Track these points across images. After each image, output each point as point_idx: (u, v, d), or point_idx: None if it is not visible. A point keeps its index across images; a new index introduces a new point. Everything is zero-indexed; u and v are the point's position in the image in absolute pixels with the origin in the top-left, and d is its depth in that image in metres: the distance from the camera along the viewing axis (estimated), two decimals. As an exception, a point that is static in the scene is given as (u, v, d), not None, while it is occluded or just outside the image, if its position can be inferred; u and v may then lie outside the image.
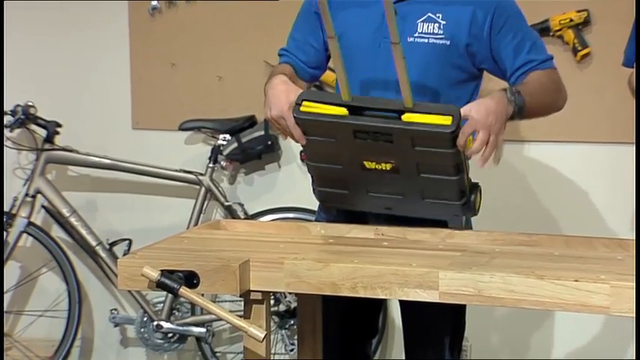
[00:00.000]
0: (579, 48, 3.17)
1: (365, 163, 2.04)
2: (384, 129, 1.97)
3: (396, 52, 1.94)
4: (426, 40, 2.17)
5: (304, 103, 2.03)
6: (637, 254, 1.94)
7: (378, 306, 2.49)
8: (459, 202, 2.08)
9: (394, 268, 1.82)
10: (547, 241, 2.11)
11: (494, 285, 1.75)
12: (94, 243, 3.50)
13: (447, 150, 1.97)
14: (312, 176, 2.18)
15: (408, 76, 1.98)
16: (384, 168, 2.04)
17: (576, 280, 1.71)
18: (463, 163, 2.03)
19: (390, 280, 1.81)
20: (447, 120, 1.95)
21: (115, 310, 3.64)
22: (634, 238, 2.12)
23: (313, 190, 2.21)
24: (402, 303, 2.37)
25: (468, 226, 2.28)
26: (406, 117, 1.97)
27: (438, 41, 2.18)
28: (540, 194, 3.33)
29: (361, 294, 1.83)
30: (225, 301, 3.49)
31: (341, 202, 2.17)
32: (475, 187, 2.12)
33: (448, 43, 2.18)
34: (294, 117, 2.03)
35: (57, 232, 3.62)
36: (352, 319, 2.39)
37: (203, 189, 3.48)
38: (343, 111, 2.00)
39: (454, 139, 1.96)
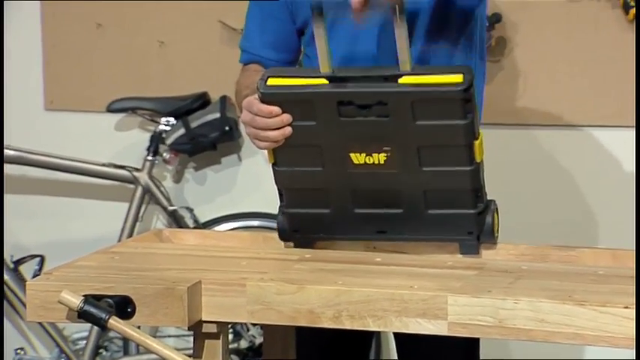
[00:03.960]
0: (632, 4, 3.21)
1: (352, 156, 2.06)
2: (377, 95, 1.99)
3: None
4: None
5: (270, 80, 2.05)
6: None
7: (368, 340, 2.51)
8: (474, 211, 2.10)
9: (390, 291, 1.84)
10: (589, 256, 2.13)
11: (519, 313, 1.78)
12: (-6, 261, 3.50)
13: (459, 121, 1.99)
14: (280, 194, 2.19)
15: (406, 33, 2.01)
16: (376, 162, 2.05)
17: (626, 307, 1.74)
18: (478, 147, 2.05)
19: (384, 307, 1.83)
20: (456, 78, 1.97)
21: (22, 349, 3.63)
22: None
23: (279, 223, 2.19)
24: (398, 336, 2.39)
25: None
26: (404, 80, 1.99)
27: None
28: (583, 193, 3.35)
29: (347, 325, 1.85)
30: (170, 336, 3.50)
31: (318, 229, 2.17)
32: (490, 207, 2.12)
33: None
34: (261, 94, 2.04)
35: (-55, 246, 3.62)
36: (335, 357, 2.41)
37: (140, 189, 3.49)
38: (322, 81, 2.03)
39: (466, 104, 1.97)
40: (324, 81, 2.02)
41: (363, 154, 2.05)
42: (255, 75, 2.34)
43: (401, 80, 1.99)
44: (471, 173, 2.05)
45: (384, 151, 2.04)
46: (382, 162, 2.05)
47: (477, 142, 2.03)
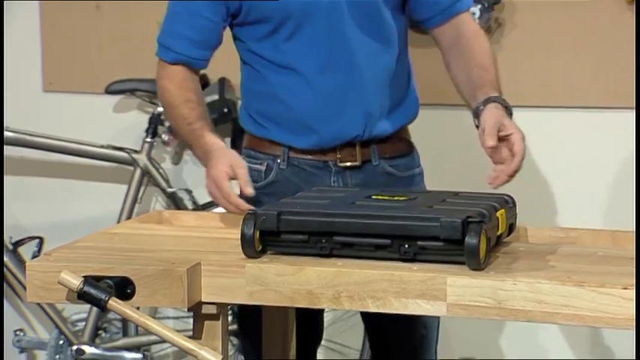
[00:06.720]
0: (631, -15, 3.20)
1: (373, 196, 2.09)
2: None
3: None
4: None
5: None
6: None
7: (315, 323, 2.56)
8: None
9: (389, 272, 1.84)
10: (588, 237, 2.14)
11: (518, 294, 1.78)
12: (-7, 242, 3.51)
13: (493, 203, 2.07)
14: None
15: None
16: (395, 199, 2.06)
17: (625, 288, 1.74)
18: None
19: (383, 287, 1.83)
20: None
21: (21, 330, 3.64)
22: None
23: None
24: (365, 316, 2.45)
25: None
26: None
27: None
28: (583, 174, 3.35)
29: (346, 306, 1.86)
30: (169, 317, 3.50)
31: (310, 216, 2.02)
32: (477, 227, 1.88)
33: None
34: None
35: (-57, 228, 3.62)
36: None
37: (138, 171, 3.49)
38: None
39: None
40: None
41: (386, 196, 2.08)
42: (186, 87, 2.37)
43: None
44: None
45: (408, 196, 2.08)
46: (402, 199, 2.05)
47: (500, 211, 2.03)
